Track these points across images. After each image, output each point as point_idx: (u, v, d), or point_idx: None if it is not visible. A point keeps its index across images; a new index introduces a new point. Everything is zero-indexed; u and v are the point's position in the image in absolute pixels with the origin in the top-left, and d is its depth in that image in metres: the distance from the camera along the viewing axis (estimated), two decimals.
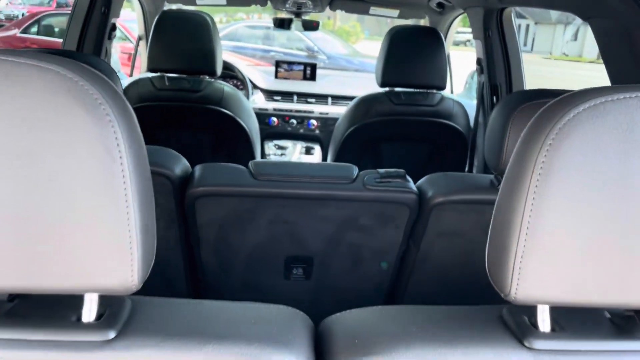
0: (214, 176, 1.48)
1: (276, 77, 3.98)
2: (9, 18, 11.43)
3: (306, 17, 3.54)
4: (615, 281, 0.61)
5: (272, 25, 10.73)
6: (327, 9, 3.51)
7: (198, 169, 1.51)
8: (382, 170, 1.52)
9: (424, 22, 3.58)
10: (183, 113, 2.46)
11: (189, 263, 1.63)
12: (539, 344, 0.66)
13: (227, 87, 2.55)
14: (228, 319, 0.70)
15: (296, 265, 1.61)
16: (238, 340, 0.64)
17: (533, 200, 0.59)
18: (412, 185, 1.52)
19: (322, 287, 1.68)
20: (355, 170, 1.55)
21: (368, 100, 2.56)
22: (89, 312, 0.63)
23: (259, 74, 4.12)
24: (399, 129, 2.55)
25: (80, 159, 0.54)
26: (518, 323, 0.68)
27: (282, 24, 3.57)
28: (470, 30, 2.77)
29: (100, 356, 0.60)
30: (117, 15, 2.60)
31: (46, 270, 0.57)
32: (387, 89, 2.53)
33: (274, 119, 3.90)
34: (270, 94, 3.99)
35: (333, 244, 1.57)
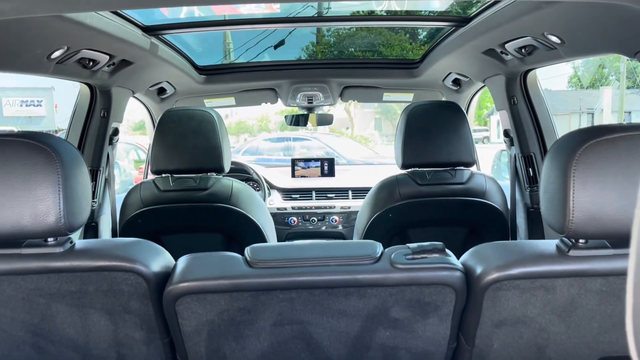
0: (199, 268, 1.18)
1: (293, 175, 3.82)
2: None
3: (319, 112, 3.44)
4: None
5: (290, 135, 10.90)
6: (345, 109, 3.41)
7: (181, 261, 1.23)
8: (413, 245, 1.21)
9: None
10: (189, 214, 2.25)
11: None
12: None
13: (236, 182, 2.35)
14: None
15: None
16: None
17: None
18: (455, 260, 1.19)
19: None
20: (380, 247, 1.23)
21: (390, 184, 2.32)
22: None
23: (276, 174, 3.97)
24: (428, 212, 2.27)
25: None
26: None
27: (297, 121, 3.46)
28: (486, 127, 2.58)
29: None
30: (119, 120, 2.50)
31: None
32: (410, 170, 2.30)
33: (294, 218, 3.68)
34: (288, 193, 3.80)
35: (361, 349, 1.22)
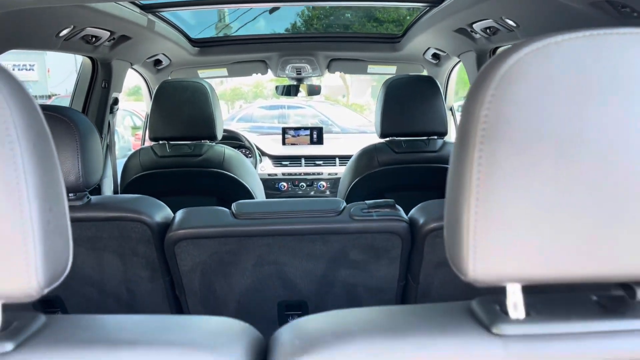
0: (194, 218, 1.43)
1: (284, 143, 4.02)
2: None
3: (309, 83, 3.61)
4: (592, 249, 0.53)
5: (285, 103, 10.87)
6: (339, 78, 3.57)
7: (179, 213, 1.47)
8: (370, 202, 1.45)
9: None
10: (185, 178, 2.46)
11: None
12: (509, 329, 0.56)
13: (227, 149, 2.56)
14: (154, 328, 0.62)
15: (290, 312, 1.50)
16: (154, 345, 0.57)
17: (479, 161, 0.52)
18: (402, 214, 1.43)
19: None
20: (343, 203, 1.47)
21: (370, 151, 2.53)
22: None
23: (267, 141, 4.17)
24: (403, 177, 2.50)
25: None
26: (487, 310, 0.59)
27: (288, 91, 3.64)
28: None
29: None
30: (119, 91, 2.68)
31: None
32: (388, 139, 2.50)
33: (284, 183, 3.90)
34: (278, 160, 4.02)
35: (326, 285, 1.47)
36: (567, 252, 0.53)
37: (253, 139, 4.09)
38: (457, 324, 0.58)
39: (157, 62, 3.03)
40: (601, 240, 0.53)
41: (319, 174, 3.93)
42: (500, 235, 0.53)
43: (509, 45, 0.54)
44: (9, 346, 0.55)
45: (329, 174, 3.92)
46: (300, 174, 3.93)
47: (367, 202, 1.45)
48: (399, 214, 1.41)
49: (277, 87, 3.71)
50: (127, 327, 0.62)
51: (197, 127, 2.36)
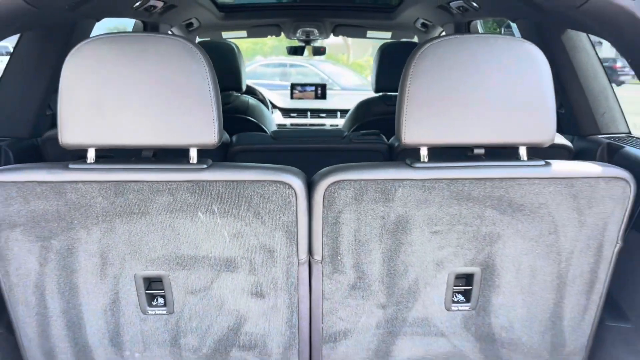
0: (247, 139, 2.05)
1: (292, 97, 4.60)
2: None
3: (315, 44, 4.17)
4: (465, 125, 1.16)
5: (287, 62, 11.23)
6: (346, 42, 4.12)
7: (235, 137, 2.09)
8: (364, 131, 2.08)
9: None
10: None
11: None
12: (418, 165, 1.21)
13: (251, 99, 3.17)
14: None
15: None
16: None
17: (410, 88, 1.15)
18: (384, 139, 2.06)
19: None
20: (346, 132, 2.11)
21: (366, 103, 3.14)
22: (193, 159, 1.22)
23: (277, 95, 4.76)
24: (392, 124, 3.13)
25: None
26: (411, 160, 1.23)
27: (295, 51, 4.22)
28: None
29: (201, 175, 1.20)
30: None
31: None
32: (381, 93, 3.11)
33: None
34: (287, 112, 4.62)
35: None
36: (453, 128, 1.17)
37: (265, 93, 4.67)
38: (398, 165, 1.22)
39: (189, 25, 3.59)
40: (471, 120, 1.17)
41: (322, 125, 4.53)
42: (419, 120, 1.16)
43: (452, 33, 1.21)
44: (204, 165, 1.18)
45: (331, 125, 4.52)
46: (306, 125, 4.54)
47: (361, 132, 2.09)
48: (382, 140, 2.04)
49: (287, 48, 4.28)
50: None
51: (227, 79, 2.96)
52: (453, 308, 1.36)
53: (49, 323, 1.34)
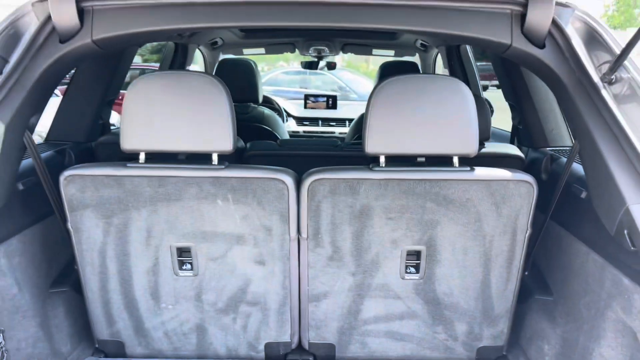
0: (259, 146, 2.50)
1: (305, 107, 5.09)
2: None
3: (328, 60, 4.65)
4: (412, 140, 1.60)
5: (307, 69, 11.78)
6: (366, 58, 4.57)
7: (249, 144, 2.54)
8: (354, 141, 2.53)
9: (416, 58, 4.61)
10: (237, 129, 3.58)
11: None
12: (377, 168, 1.64)
13: (266, 110, 3.65)
14: None
15: None
16: None
17: (374, 100, 1.60)
18: None
19: None
20: (339, 142, 2.56)
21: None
22: (215, 161, 1.67)
23: (292, 105, 5.25)
24: None
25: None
26: (373, 165, 1.67)
27: (310, 66, 4.70)
28: None
29: (220, 173, 1.65)
30: (190, 64, 3.76)
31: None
32: None
33: (304, 139, 5.00)
34: (300, 120, 5.11)
35: None
36: (408, 140, 1.61)
37: (282, 102, 5.16)
38: (362, 169, 1.67)
39: (214, 43, 4.09)
40: (425, 132, 1.61)
41: (332, 132, 5.00)
42: (378, 134, 1.60)
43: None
44: (221, 167, 1.65)
45: (340, 133, 4.99)
46: (317, 132, 5.01)
47: (352, 140, 2.53)
48: None
49: (301, 62, 4.75)
50: None
51: (245, 92, 3.45)
52: (406, 277, 1.79)
53: (108, 280, 1.81)
